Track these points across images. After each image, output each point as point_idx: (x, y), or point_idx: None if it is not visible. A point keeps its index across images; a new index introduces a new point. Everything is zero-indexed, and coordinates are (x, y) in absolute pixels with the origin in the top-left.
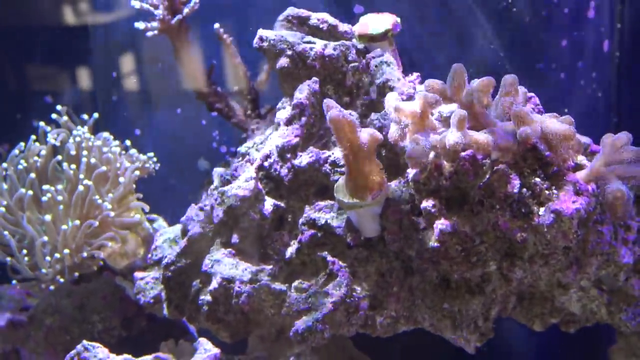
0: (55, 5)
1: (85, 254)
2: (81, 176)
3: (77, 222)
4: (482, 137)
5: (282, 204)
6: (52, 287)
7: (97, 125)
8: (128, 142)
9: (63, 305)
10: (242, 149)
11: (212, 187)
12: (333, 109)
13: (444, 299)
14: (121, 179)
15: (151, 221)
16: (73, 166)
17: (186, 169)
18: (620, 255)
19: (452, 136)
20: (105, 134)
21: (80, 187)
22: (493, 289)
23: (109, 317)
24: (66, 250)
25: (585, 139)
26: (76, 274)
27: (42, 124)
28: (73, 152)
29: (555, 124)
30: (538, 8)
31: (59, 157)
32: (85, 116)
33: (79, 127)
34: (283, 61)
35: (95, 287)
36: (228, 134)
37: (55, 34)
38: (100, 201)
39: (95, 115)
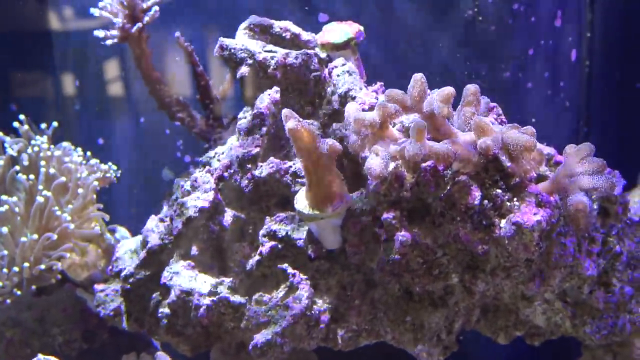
0: (19, 13)
1: (43, 267)
2: (40, 187)
3: (35, 236)
4: (442, 148)
5: (243, 215)
6: (8, 301)
7: (61, 134)
8: (89, 153)
9: (23, 318)
10: (203, 158)
11: (173, 198)
12: (292, 119)
13: (406, 311)
14: (80, 190)
15: (113, 231)
16: (32, 177)
17: (150, 179)
18: (584, 268)
19: (412, 147)
20: (66, 144)
21: (39, 199)
22: (456, 302)
23: (70, 330)
24: (25, 264)
25: (548, 150)
26: (33, 286)
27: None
28: (26, 163)
29: (516, 134)
30: (504, 17)
31: (17, 168)
32: (44, 125)
33: (37, 137)
34: (244, 70)
35: (55, 299)
36: (192, 143)
37: (19, 42)
38: (59, 212)
39: (55, 124)
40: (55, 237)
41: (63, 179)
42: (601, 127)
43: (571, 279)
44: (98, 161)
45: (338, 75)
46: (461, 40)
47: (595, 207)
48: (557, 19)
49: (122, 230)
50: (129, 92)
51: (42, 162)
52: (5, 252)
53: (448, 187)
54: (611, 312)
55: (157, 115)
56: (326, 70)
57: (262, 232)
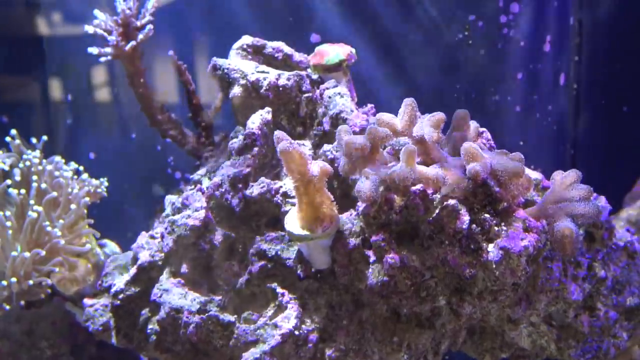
0: (14, 25)
1: (31, 282)
2: (31, 201)
3: (27, 254)
4: (431, 172)
5: (233, 234)
6: None
7: (52, 148)
8: (82, 167)
9: (12, 330)
10: (194, 176)
11: (164, 215)
12: (283, 140)
13: (393, 332)
14: (72, 206)
15: (102, 246)
16: (23, 191)
17: (140, 194)
18: (570, 292)
19: (402, 170)
20: (57, 158)
21: (32, 214)
22: (443, 324)
23: (58, 344)
24: (13, 279)
25: (536, 175)
26: (22, 302)
27: None
28: (18, 178)
29: (504, 160)
30: (494, 41)
31: (9, 182)
32: (35, 140)
33: (29, 151)
34: (236, 90)
35: (45, 312)
36: (183, 160)
37: (12, 55)
38: (49, 228)
39: (44, 138)
40: (44, 253)
41: (54, 194)
42: (587, 151)
43: (557, 302)
44: (88, 176)
45: (330, 97)
46: (451, 63)
47: (581, 232)
48: (545, 43)
49: (111, 245)
50: (121, 108)
51: (34, 177)
52: None
53: (437, 211)
54: (596, 336)
55: (149, 131)
56: (318, 92)
57: (252, 251)
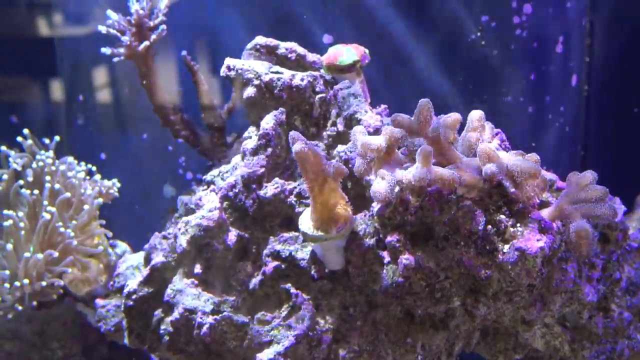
0: (24, 25)
1: (44, 283)
2: (45, 202)
3: (40, 255)
4: (447, 173)
5: (247, 235)
6: (10, 315)
7: (63, 148)
8: (94, 168)
9: (23, 330)
10: (207, 177)
11: (176, 215)
12: (298, 141)
13: (407, 333)
14: (85, 207)
15: (113, 247)
16: (36, 192)
17: (152, 195)
18: (584, 293)
19: (418, 172)
20: (70, 159)
21: (45, 215)
22: (457, 325)
23: (70, 344)
24: (26, 280)
25: (551, 176)
26: (34, 302)
27: (3, 148)
28: (30, 178)
29: (520, 161)
30: (506, 42)
31: (21, 182)
32: (47, 140)
33: (42, 152)
34: (250, 91)
35: (56, 313)
36: (194, 160)
37: (23, 54)
38: (62, 229)
39: (57, 138)
40: (56, 254)
41: (68, 194)
42: (598, 152)
43: (571, 304)
44: (100, 177)
45: (343, 98)
46: (464, 64)
47: (596, 233)
48: (558, 44)
49: (122, 246)
50: (132, 108)
51: (47, 177)
52: (8, 269)
53: (452, 212)
54: (610, 338)
55: (160, 131)
56: (331, 92)
57: (265, 251)
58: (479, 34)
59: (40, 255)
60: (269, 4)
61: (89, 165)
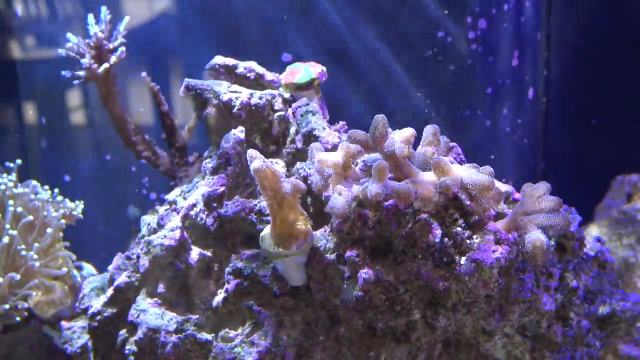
0: None
1: (7, 306)
2: (7, 226)
3: (0, 279)
4: (403, 187)
5: (209, 253)
6: None
7: (27, 171)
8: (56, 190)
9: None
10: (169, 197)
11: (139, 235)
12: (256, 159)
13: (370, 347)
14: (48, 230)
15: (79, 268)
16: None
17: (116, 216)
18: (543, 303)
19: (374, 187)
20: (33, 182)
21: (5, 238)
22: (418, 337)
23: None
24: None
25: (507, 188)
26: None
27: None
28: None
29: (475, 174)
30: (463, 57)
31: None
32: (10, 164)
33: (4, 175)
34: (209, 110)
35: (22, 336)
36: (158, 180)
37: None
38: (24, 252)
39: (19, 161)
40: (18, 277)
41: (30, 217)
42: (558, 163)
43: (530, 313)
44: (64, 198)
45: (301, 115)
46: (421, 79)
47: (552, 243)
48: (514, 58)
49: (88, 267)
50: (95, 130)
51: (10, 201)
52: None
53: (409, 226)
54: (569, 346)
55: (123, 152)
56: (290, 110)
57: (227, 269)
58: (435, 49)
59: (0, 279)
60: (229, 23)
61: (52, 189)
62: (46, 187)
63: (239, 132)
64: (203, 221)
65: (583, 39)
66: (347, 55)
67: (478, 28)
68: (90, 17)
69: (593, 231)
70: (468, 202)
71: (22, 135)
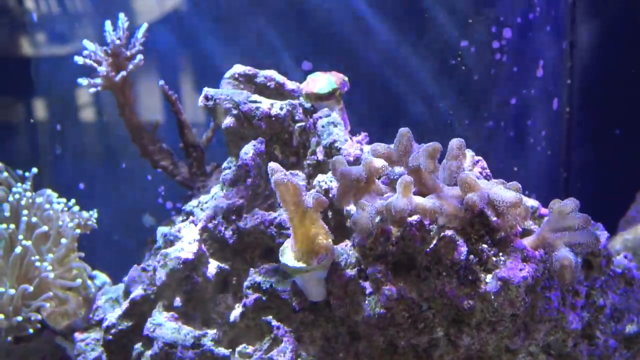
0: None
1: (20, 318)
2: (20, 236)
3: (12, 290)
4: (428, 203)
5: (227, 267)
6: None
7: (41, 179)
8: (72, 200)
9: None
10: (186, 207)
11: (156, 247)
12: (278, 172)
13: None
14: (63, 240)
15: (93, 278)
16: (12, 226)
17: (131, 225)
18: (569, 321)
19: (398, 202)
20: (48, 191)
21: (18, 249)
22: (440, 355)
23: None
24: (1, 316)
25: (533, 202)
26: (9, 338)
27: None
28: (7, 213)
29: (502, 190)
30: (487, 66)
31: None
32: (23, 172)
33: (18, 184)
34: (229, 121)
35: (34, 347)
36: (174, 189)
37: None
38: (38, 263)
39: (34, 170)
40: (31, 289)
41: (45, 228)
42: (581, 175)
43: (555, 332)
44: (79, 208)
45: (323, 126)
46: (444, 89)
47: (579, 260)
48: (538, 68)
49: (102, 277)
50: (111, 137)
51: (25, 211)
52: None
53: (434, 242)
54: None
55: (139, 160)
56: (311, 121)
57: (246, 283)
58: (459, 59)
59: (13, 291)
60: (249, 31)
61: (68, 199)
62: (61, 198)
63: (258, 143)
64: (222, 234)
65: (607, 49)
66: (369, 64)
67: (503, 37)
68: (108, 24)
69: (617, 245)
70: (494, 219)
71: (36, 141)
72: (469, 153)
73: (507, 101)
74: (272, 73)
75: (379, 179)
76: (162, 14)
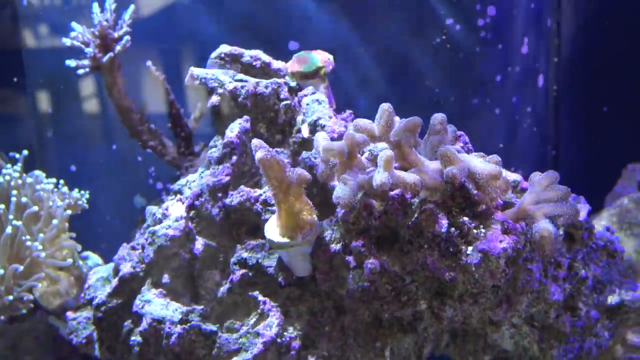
0: None
1: (11, 297)
2: (10, 216)
3: (2, 271)
4: (409, 177)
5: (214, 243)
6: None
7: (33, 161)
8: (62, 180)
9: None
10: (174, 186)
11: (144, 226)
12: (261, 149)
13: (376, 338)
14: (54, 221)
15: (84, 258)
16: (2, 206)
17: (122, 205)
18: (550, 293)
19: (379, 176)
20: (38, 172)
21: (8, 229)
22: (425, 328)
23: (42, 358)
24: None
25: (515, 177)
26: (2, 318)
27: None
28: None
29: (481, 164)
30: (472, 44)
31: None
32: (17, 154)
33: (8, 166)
34: (214, 99)
35: (28, 327)
36: (164, 170)
37: None
38: (29, 243)
39: (25, 152)
40: (21, 268)
41: (35, 208)
42: (569, 151)
43: (538, 303)
44: (67, 189)
45: (308, 104)
46: (429, 67)
47: (560, 232)
48: (523, 45)
49: (93, 257)
50: (101, 119)
51: (14, 192)
52: None
53: (415, 215)
54: (578, 336)
55: (129, 142)
56: (296, 99)
57: (232, 260)
58: (443, 37)
59: (3, 271)
60: (236, 12)
61: (59, 179)
62: (51, 178)
63: (244, 122)
64: (208, 211)
65: (594, 26)
66: (353, 43)
67: (487, 15)
68: (95, 6)
69: (603, 220)
70: (475, 192)
71: (28, 124)
72: (451, 128)
73: (492, 78)
74: (257, 53)
75: (362, 155)
76: (161, 3)
